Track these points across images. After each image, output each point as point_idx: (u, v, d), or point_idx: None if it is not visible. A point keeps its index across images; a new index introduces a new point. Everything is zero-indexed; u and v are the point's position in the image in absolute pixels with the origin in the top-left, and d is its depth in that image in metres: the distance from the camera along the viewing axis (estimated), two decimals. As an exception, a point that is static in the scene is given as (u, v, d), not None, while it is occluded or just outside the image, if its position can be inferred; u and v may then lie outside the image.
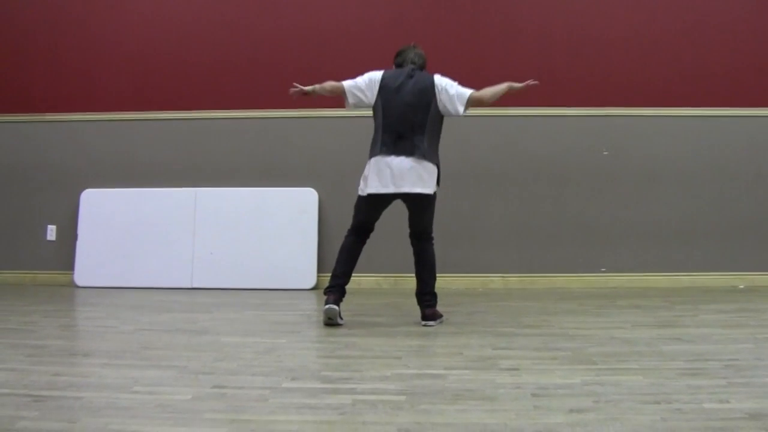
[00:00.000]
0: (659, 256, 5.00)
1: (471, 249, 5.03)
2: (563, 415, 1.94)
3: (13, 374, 2.44)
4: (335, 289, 3.42)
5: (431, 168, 3.41)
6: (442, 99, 3.42)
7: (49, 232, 5.29)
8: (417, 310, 3.53)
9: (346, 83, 3.54)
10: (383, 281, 4.95)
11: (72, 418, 1.96)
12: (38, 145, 5.35)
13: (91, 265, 5.09)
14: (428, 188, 3.39)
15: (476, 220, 5.04)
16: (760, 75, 5.07)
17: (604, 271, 5.01)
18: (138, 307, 4.15)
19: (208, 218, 5.11)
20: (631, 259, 5.01)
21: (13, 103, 5.36)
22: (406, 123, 3.41)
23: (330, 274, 3.50)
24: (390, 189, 3.37)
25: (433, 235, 3.52)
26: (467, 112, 3.46)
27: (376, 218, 3.54)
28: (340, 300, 3.43)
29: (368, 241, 3.55)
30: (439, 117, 3.47)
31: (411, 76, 3.47)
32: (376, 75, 3.52)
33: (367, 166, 3.48)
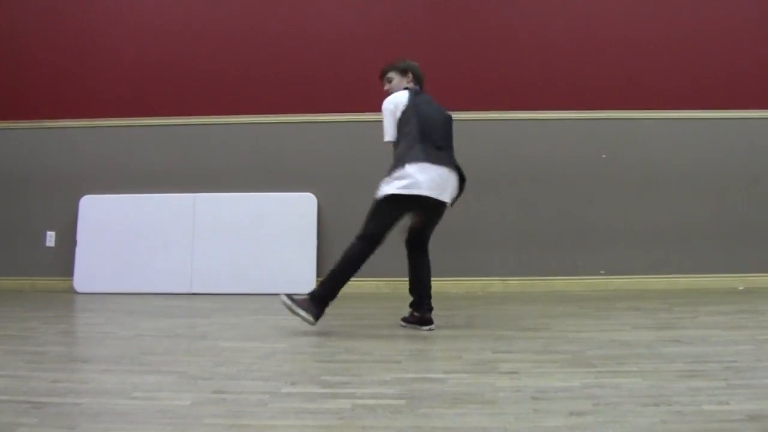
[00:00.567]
0: (658, 258, 5.01)
1: (470, 253, 5.04)
2: (563, 418, 1.94)
3: (12, 381, 2.44)
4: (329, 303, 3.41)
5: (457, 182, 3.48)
6: None
7: (48, 238, 5.29)
8: (416, 313, 3.52)
9: (390, 136, 3.48)
10: (383, 286, 4.96)
11: (71, 425, 1.96)
12: (37, 151, 5.35)
13: (91, 271, 5.09)
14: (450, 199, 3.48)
15: (476, 223, 5.05)
16: (758, 77, 5.08)
17: (603, 274, 5.01)
18: (137, 312, 4.15)
19: (206, 224, 5.12)
20: (630, 261, 5.01)
21: (11, 109, 5.38)
22: (441, 135, 3.46)
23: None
24: (439, 195, 3.36)
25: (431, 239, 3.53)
26: None
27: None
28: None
29: None
30: None
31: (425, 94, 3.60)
32: (401, 98, 3.48)
33: (405, 170, 3.35)
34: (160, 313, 4.13)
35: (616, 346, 2.93)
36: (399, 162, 3.36)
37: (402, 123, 3.42)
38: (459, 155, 3.51)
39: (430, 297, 3.51)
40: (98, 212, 5.20)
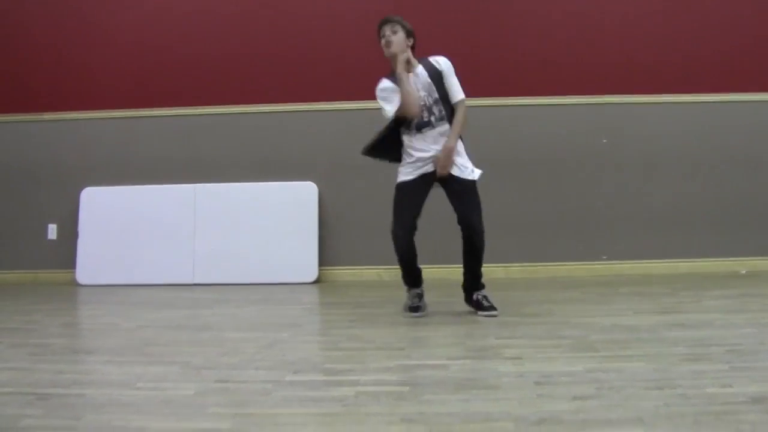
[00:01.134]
0: (660, 242, 5.00)
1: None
2: (566, 403, 1.94)
3: (16, 373, 2.45)
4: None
5: None
6: None
7: (49, 231, 5.29)
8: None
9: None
10: (384, 273, 4.95)
11: (76, 416, 1.96)
12: (37, 144, 5.34)
13: (93, 263, 5.10)
14: None
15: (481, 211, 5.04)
16: (758, 60, 5.05)
17: (605, 259, 5.01)
18: (140, 304, 4.16)
19: (208, 214, 5.11)
20: (632, 246, 5.01)
21: (11, 102, 5.36)
22: None
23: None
24: None
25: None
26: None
27: None
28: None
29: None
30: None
31: None
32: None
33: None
34: (162, 304, 4.14)
35: (619, 331, 2.93)
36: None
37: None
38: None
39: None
40: (100, 204, 5.19)
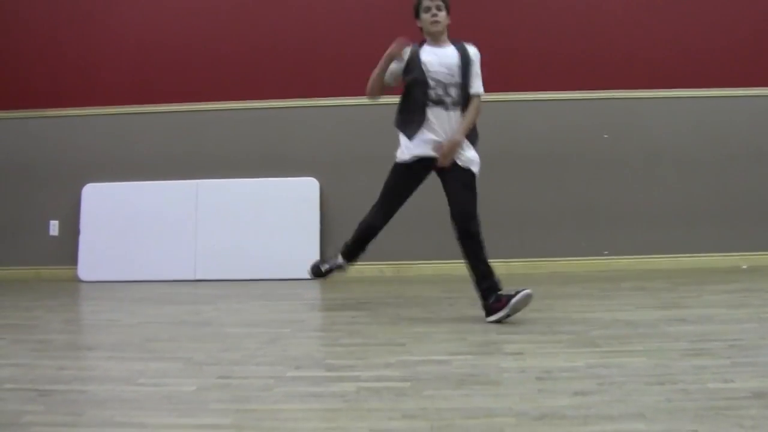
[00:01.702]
0: (662, 237, 4.99)
1: (473, 235, 5.02)
2: (568, 398, 1.94)
3: (18, 369, 2.45)
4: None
5: None
6: None
7: (51, 227, 5.30)
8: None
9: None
10: (386, 269, 4.95)
11: (77, 411, 1.97)
12: (39, 140, 5.34)
13: (94, 259, 5.10)
14: None
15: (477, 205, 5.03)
16: (760, 54, 5.04)
17: (606, 255, 5.01)
18: (141, 300, 4.16)
19: (209, 210, 5.11)
20: (633, 241, 5.00)
21: (12, 98, 5.36)
22: None
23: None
24: None
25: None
26: None
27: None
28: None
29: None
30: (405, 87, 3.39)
31: None
32: None
33: None
34: (164, 300, 4.14)
35: (621, 326, 2.93)
36: None
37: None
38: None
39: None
40: (101, 200, 5.19)
